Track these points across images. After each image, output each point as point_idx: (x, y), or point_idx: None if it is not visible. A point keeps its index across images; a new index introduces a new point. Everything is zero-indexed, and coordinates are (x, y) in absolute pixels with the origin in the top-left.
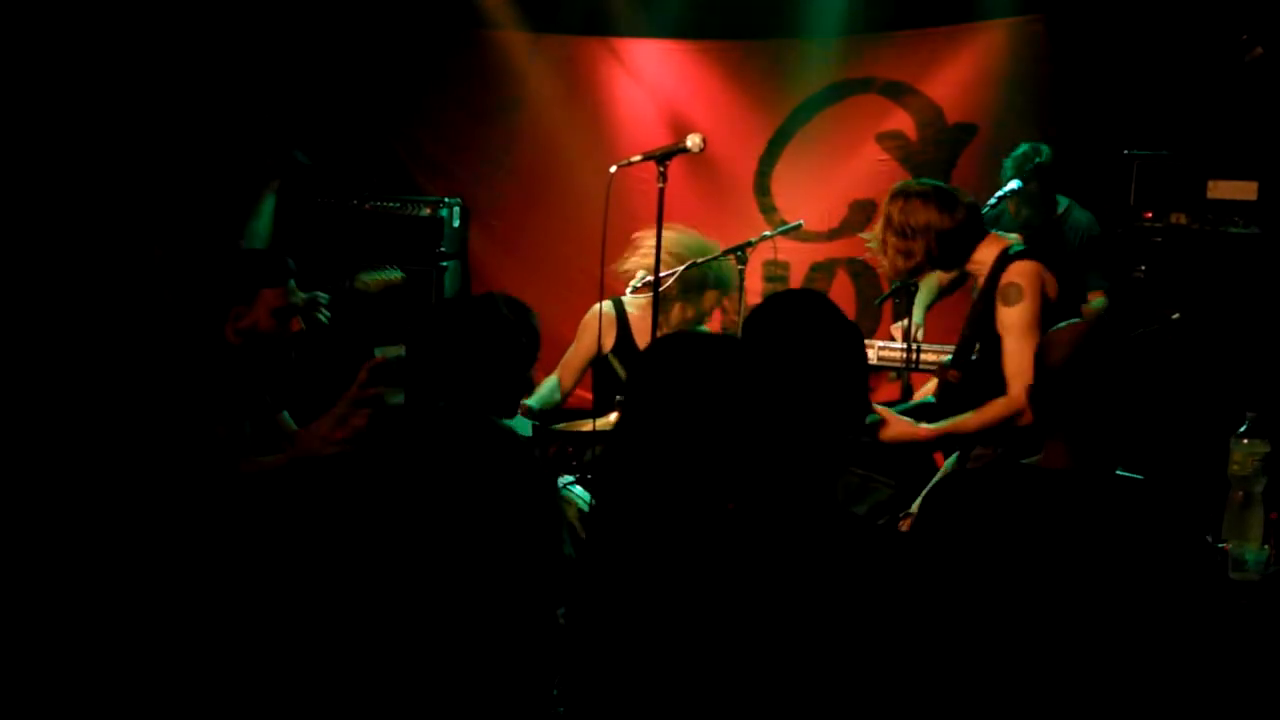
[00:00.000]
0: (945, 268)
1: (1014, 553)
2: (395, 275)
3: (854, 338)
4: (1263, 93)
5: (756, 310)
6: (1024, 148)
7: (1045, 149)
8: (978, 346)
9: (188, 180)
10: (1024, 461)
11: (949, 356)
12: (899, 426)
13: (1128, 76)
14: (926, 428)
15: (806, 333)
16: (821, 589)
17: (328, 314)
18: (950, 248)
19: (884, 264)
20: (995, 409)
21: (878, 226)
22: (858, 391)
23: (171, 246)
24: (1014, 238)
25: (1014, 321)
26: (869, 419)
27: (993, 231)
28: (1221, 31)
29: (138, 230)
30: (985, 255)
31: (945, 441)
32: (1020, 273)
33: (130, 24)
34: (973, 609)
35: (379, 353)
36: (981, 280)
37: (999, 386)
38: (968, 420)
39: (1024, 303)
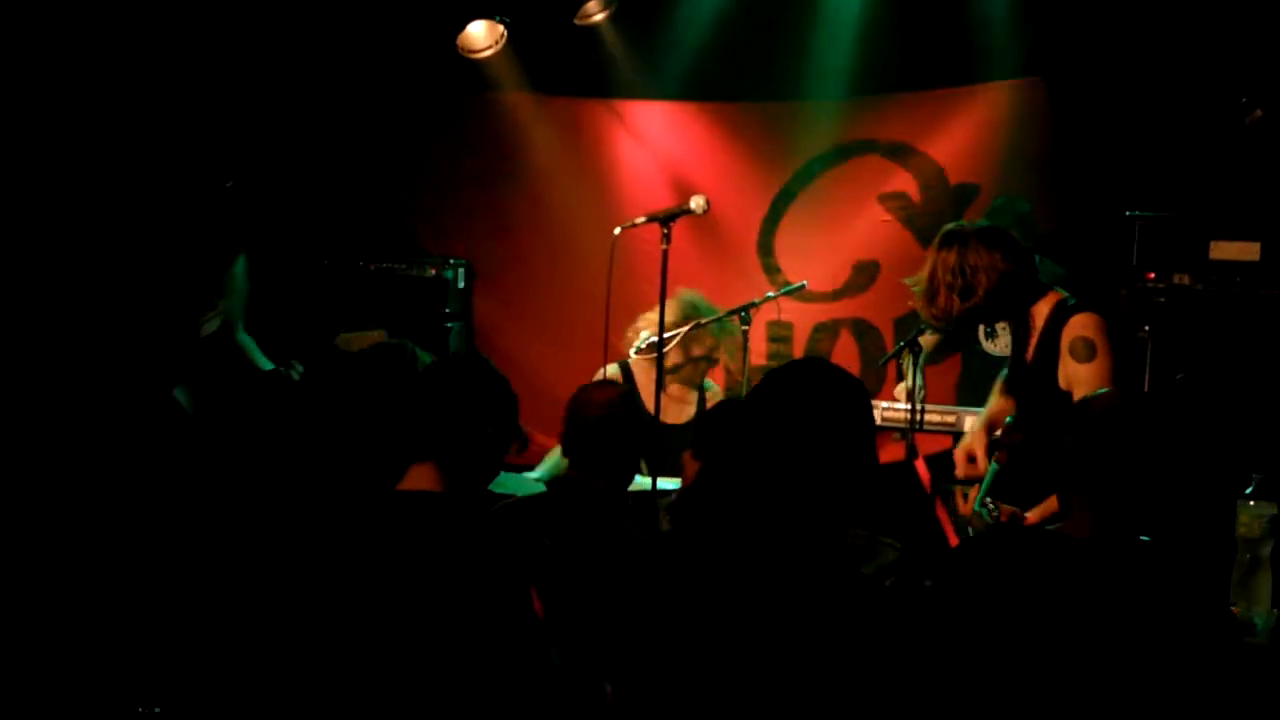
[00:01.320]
0: (999, 313)
1: (1034, 619)
2: (379, 335)
3: (859, 400)
4: (1263, 154)
5: (764, 381)
6: (1004, 199)
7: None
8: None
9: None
10: (1049, 529)
11: (954, 417)
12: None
13: (1129, 138)
14: (1033, 513)
15: (814, 400)
16: (831, 649)
17: (300, 369)
18: (1009, 290)
19: (934, 308)
20: None
21: (927, 269)
22: (866, 453)
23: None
24: (1064, 292)
25: (1089, 378)
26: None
27: (1042, 282)
28: (1221, 93)
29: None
30: (1041, 307)
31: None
32: (1088, 326)
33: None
34: (989, 672)
35: (343, 340)
36: (1036, 334)
37: None
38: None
39: (1099, 358)
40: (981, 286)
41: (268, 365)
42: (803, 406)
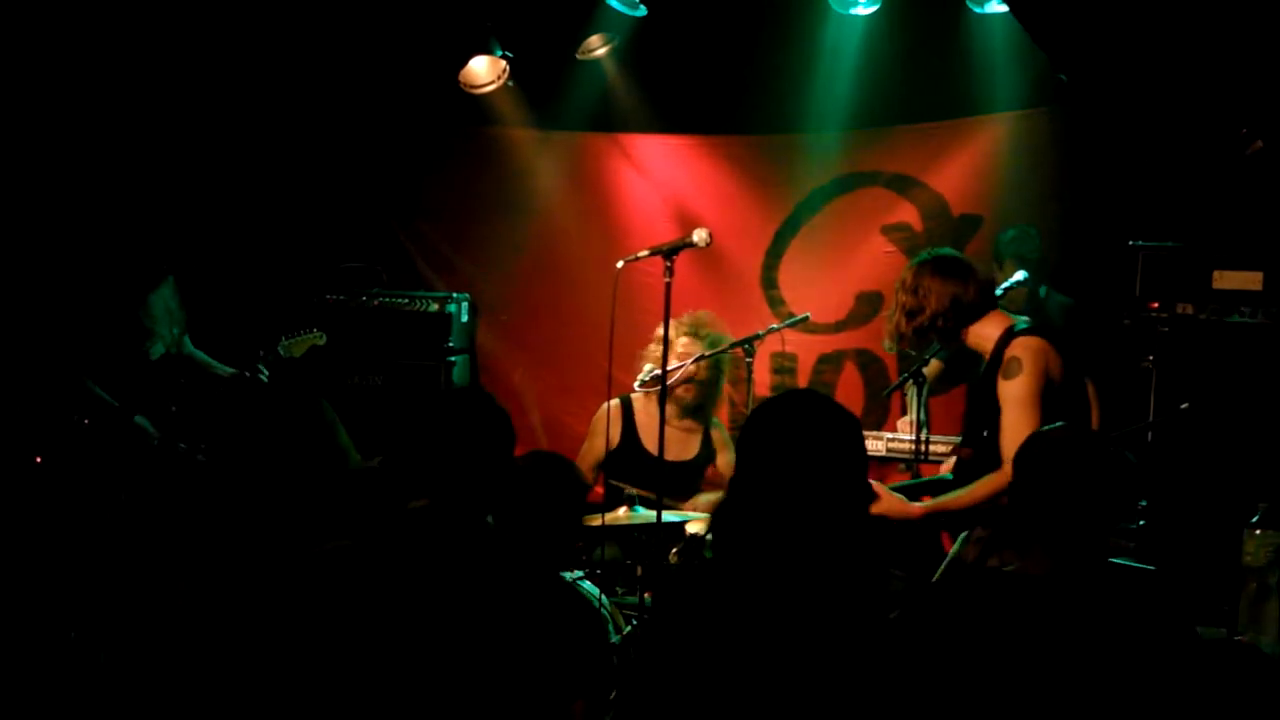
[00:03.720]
0: (948, 336)
1: (998, 664)
2: (317, 338)
3: (849, 432)
4: (1265, 184)
5: (753, 414)
6: (1015, 232)
7: (1035, 232)
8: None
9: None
10: (1006, 569)
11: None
12: (890, 502)
13: (1131, 169)
14: (918, 505)
15: (801, 433)
16: (833, 680)
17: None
18: (959, 316)
19: (889, 326)
20: (984, 486)
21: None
22: (857, 484)
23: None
24: (1021, 317)
25: (1011, 395)
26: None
27: (998, 309)
28: (1223, 125)
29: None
30: (990, 331)
31: (936, 518)
32: (1023, 347)
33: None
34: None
35: (283, 348)
36: (987, 356)
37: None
38: (957, 498)
39: (1022, 376)
40: (929, 308)
41: (227, 370)
42: (791, 436)
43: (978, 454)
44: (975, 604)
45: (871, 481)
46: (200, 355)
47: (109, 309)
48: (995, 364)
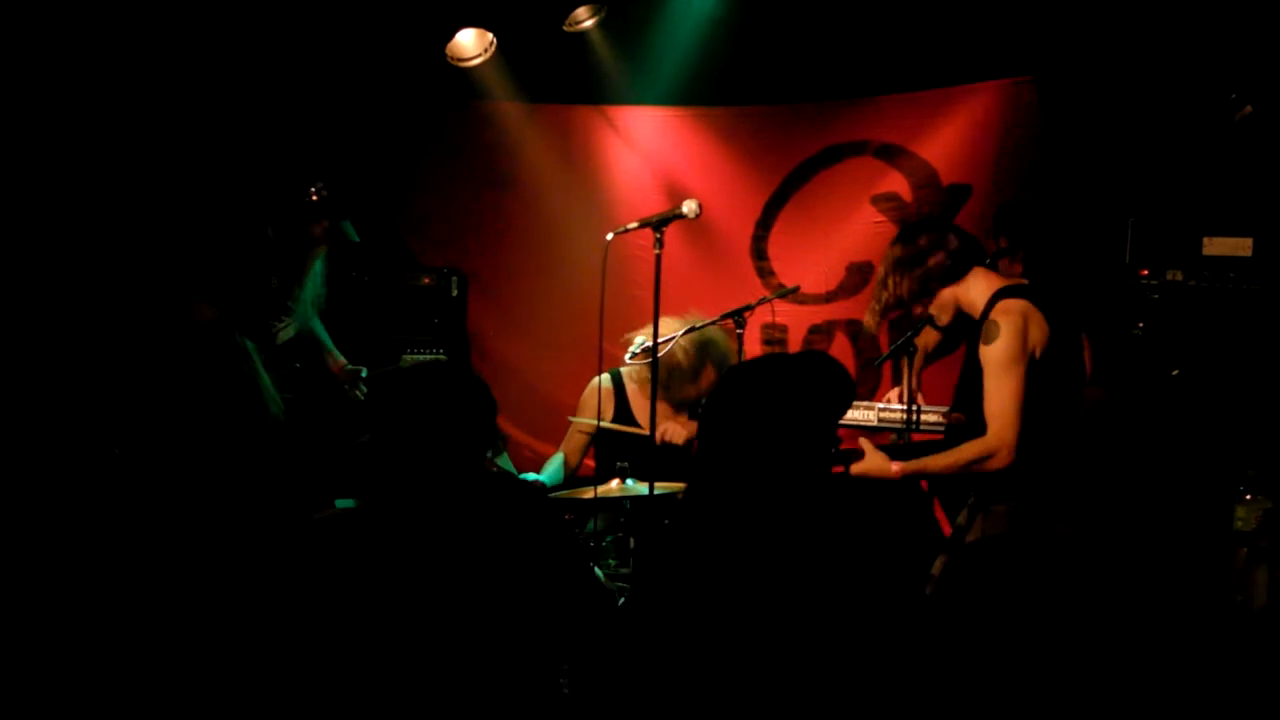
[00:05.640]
0: (918, 304)
1: (1029, 615)
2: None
3: (822, 388)
4: (1254, 150)
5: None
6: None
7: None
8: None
9: (235, 244)
10: (1040, 526)
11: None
12: (874, 460)
13: (1121, 135)
14: (898, 464)
15: (759, 393)
16: (824, 642)
17: (365, 389)
18: (924, 283)
19: (885, 293)
20: (966, 451)
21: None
22: (821, 441)
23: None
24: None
25: (990, 359)
26: (844, 450)
27: (985, 270)
28: (1211, 90)
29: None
30: (978, 295)
31: (914, 479)
32: (1003, 310)
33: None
34: (985, 668)
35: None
36: (978, 319)
37: None
38: (936, 460)
39: (1000, 340)
40: (891, 283)
41: (340, 358)
42: (753, 401)
43: (971, 419)
44: (1010, 559)
45: (861, 440)
46: (321, 332)
47: (272, 286)
48: (979, 328)
